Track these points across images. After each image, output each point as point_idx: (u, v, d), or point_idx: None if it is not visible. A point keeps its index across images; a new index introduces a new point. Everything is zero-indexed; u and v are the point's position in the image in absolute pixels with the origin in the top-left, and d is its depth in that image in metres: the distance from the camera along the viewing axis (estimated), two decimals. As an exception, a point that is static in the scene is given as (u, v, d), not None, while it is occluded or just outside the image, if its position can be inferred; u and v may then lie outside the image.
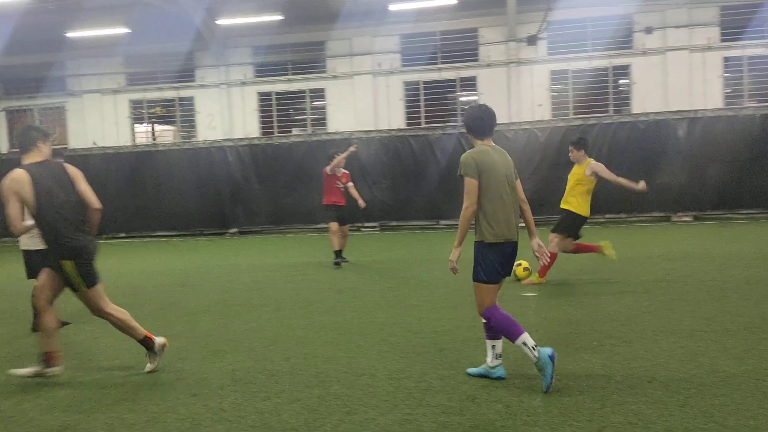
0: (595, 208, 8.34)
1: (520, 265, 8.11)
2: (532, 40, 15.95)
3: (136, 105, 17.72)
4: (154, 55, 17.11)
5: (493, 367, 4.64)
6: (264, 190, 16.45)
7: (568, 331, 5.82)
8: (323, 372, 5.02)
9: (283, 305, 7.56)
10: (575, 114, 16.16)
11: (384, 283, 8.67)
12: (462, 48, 16.27)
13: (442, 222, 15.71)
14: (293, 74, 16.91)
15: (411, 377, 4.82)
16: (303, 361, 5.32)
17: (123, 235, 16.98)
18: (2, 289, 9.97)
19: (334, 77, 16.65)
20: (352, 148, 10.50)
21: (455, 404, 4.19)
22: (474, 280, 4.62)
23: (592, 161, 8.05)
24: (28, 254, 6.70)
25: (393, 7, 14.13)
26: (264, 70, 17.08)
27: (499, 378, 4.60)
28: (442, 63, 16.32)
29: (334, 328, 6.35)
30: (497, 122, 4.78)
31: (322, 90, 16.88)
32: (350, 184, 10.65)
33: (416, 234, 13.74)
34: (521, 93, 16.17)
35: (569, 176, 8.15)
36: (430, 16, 15.71)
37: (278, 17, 14.53)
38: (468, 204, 4.46)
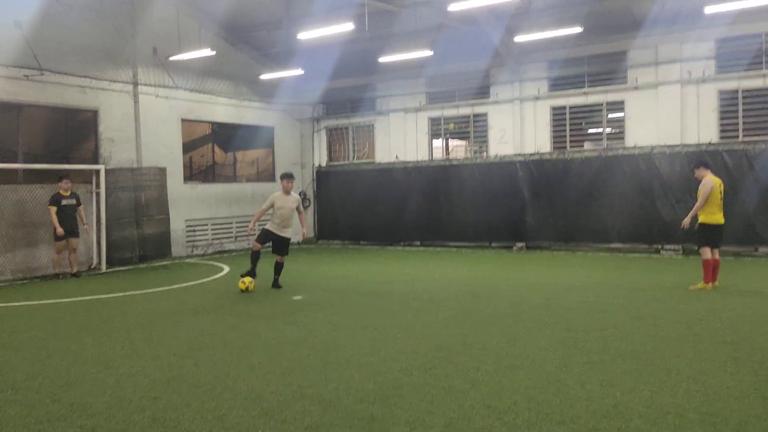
0: None
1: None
2: None
3: (434, 122, 18.85)
4: (452, 74, 17.99)
5: None
6: (553, 206, 16.14)
7: None
8: (622, 403, 4.70)
9: (575, 326, 7.29)
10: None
11: (691, 314, 7.83)
12: (794, 49, 14.02)
13: (762, 249, 13.63)
14: (590, 87, 16.33)
15: (728, 424, 4.26)
16: (599, 388, 5.06)
17: (418, 243, 18.17)
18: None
19: (636, 88, 15.61)
20: None
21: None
22: None
23: None
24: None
25: (709, 10, 12.73)
26: (559, 84, 16.80)
27: None
28: (767, 68, 14.25)
29: (633, 357, 5.91)
30: None
31: (620, 102, 15.97)
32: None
33: (728, 261, 12.13)
34: None
35: None
36: (753, 15, 13.82)
37: (577, 30, 14.14)
38: None
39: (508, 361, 5.90)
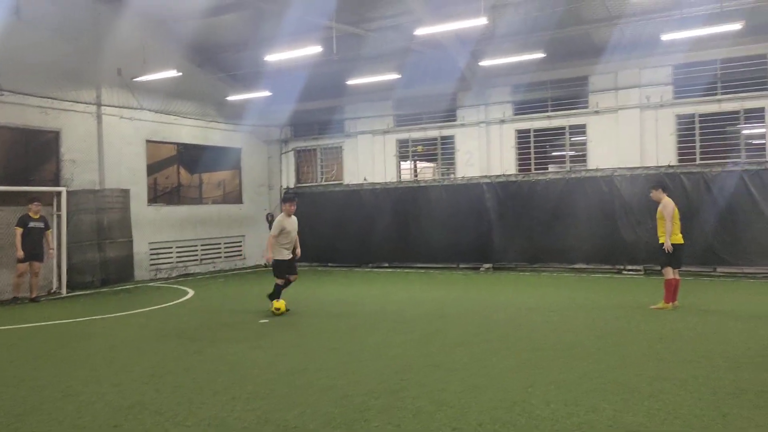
0: None
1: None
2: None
3: (402, 144, 18.99)
4: (420, 97, 18.19)
5: None
6: (519, 227, 16.32)
7: None
8: (586, 422, 4.75)
9: (541, 346, 7.36)
10: None
11: (652, 333, 7.98)
12: (748, 77, 14.54)
13: (720, 269, 13.96)
14: (553, 111, 16.68)
15: (689, 442, 4.33)
16: (564, 407, 5.10)
17: (386, 264, 18.17)
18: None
19: (597, 112, 16.01)
20: None
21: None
22: None
23: None
24: None
25: (666, 37, 13.17)
26: (523, 108, 17.12)
27: None
28: (723, 94, 14.75)
29: (597, 376, 5.99)
30: None
31: (582, 126, 16.34)
32: None
33: (689, 281, 12.39)
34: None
35: None
36: (709, 43, 14.30)
37: (540, 55, 14.49)
38: None
39: (474, 381, 5.92)
